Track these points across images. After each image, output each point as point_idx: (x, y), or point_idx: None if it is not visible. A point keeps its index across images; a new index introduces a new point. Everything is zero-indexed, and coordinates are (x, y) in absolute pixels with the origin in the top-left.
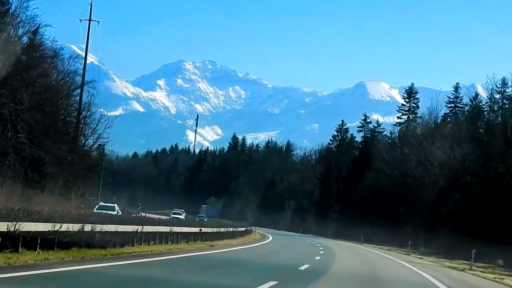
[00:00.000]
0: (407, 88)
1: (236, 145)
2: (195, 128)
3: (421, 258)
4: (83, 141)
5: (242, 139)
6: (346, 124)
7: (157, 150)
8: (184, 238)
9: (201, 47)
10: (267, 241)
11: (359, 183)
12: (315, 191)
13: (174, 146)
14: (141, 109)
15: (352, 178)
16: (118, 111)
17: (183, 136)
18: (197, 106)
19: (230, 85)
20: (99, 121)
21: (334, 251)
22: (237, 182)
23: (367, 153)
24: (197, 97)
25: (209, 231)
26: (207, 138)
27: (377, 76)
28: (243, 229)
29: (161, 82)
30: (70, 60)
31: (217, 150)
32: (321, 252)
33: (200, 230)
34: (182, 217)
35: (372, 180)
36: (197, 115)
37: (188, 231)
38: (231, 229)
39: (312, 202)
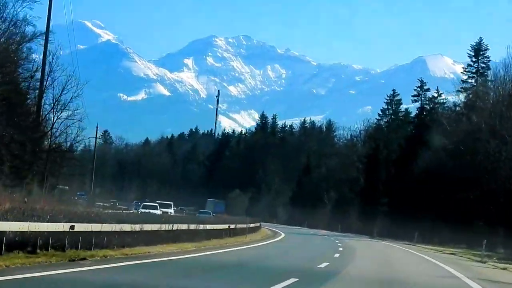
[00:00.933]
0: (474, 44)
1: (265, 126)
2: (216, 107)
3: (504, 269)
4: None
5: (272, 118)
6: (398, 94)
7: (172, 135)
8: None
9: (234, 21)
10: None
11: (413, 166)
12: (359, 179)
13: (193, 130)
14: (166, 92)
15: (405, 160)
16: (140, 96)
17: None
18: (231, 88)
19: (269, 63)
20: (64, 87)
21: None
22: (265, 170)
23: (425, 125)
24: (230, 78)
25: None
26: (243, 124)
27: (439, 49)
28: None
29: (189, 62)
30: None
31: (243, 133)
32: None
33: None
34: (170, 211)
35: (430, 161)
36: (218, 91)
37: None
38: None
39: (355, 192)
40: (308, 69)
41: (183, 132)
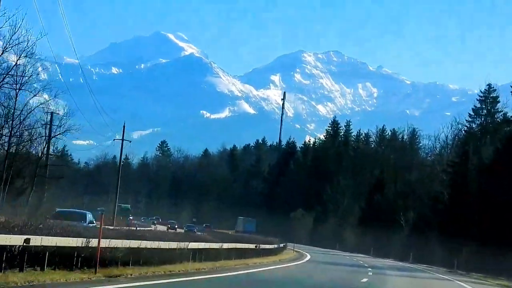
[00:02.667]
0: None
1: (337, 134)
2: (281, 111)
3: None
4: None
5: (345, 125)
6: (494, 90)
7: (234, 145)
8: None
9: (324, 35)
10: None
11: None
12: (443, 195)
13: (260, 142)
14: (251, 110)
15: (502, 170)
16: (224, 113)
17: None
18: (319, 107)
19: (360, 81)
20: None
21: None
22: (334, 186)
23: None
24: (319, 96)
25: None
26: None
27: None
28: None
29: (275, 78)
30: None
31: (311, 142)
32: None
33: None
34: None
35: None
36: (284, 93)
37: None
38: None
39: (437, 211)
40: (401, 88)
41: (249, 144)
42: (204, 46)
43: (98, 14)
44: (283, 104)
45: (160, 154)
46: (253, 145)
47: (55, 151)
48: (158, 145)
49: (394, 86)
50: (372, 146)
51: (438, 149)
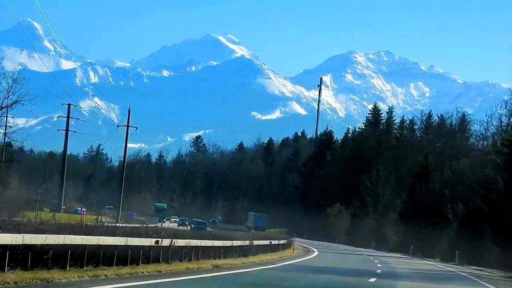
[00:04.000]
0: None
1: (378, 121)
2: (318, 99)
3: None
4: None
5: (388, 112)
6: None
7: (270, 138)
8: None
9: (374, 36)
10: None
11: None
12: (498, 182)
13: (299, 134)
14: (302, 111)
15: None
16: (275, 114)
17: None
18: (371, 107)
19: (411, 80)
20: None
21: None
22: (373, 178)
23: None
24: (370, 96)
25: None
26: None
27: None
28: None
29: (326, 79)
30: None
31: (350, 131)
32: None
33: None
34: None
35: None
36: (321, 78)
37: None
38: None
39: (490, 202)
40: (453, 87)
41: (288, 137)
42: (254, 48)
43: (150, 18)
44: (320, 89)
45: (194, 151)
46: (291, 138)
47: (90, 150)
48: (193, 140)
49: (446, 85)
50: (418, 134)
51: (491, 132)
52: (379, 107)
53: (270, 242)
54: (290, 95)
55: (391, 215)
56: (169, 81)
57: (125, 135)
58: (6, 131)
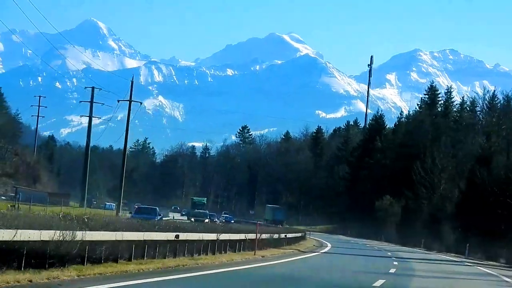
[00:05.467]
0: None
1: (434, 102)
2: (368, 72)
3: None
4: None
5: (446, 92)
6: None
7: (319, 127)
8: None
9: (439, 34)
10: None
11: None
12: None
13: (351, 123)
14: (369, 111)
15: None
16: (340, 113)
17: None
18: (427, 87)
19: (477, 79)
20: None
21: None
22: (427, 166)
23: None
24: None
25: None
26: None
27: None
28: None
29: (391, 77)
30: None
31: (403, 115)
32: None
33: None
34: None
35: None
36: (371, 57)
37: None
38: None
39: None
40: None
41: (340, 127)
42: (319, 46)
43: (215, 17)
44: (370, 69)
45: (240, 142)
46: (343, 127)
47: (136, 144)
48: (239, 130)
49: None
50: (480, 116)
51: None
52: (436, 87)
53: (246, 237)
54: (355, 94)
55: (447, 207)
56: (234, 80)
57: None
58: (72, 130)
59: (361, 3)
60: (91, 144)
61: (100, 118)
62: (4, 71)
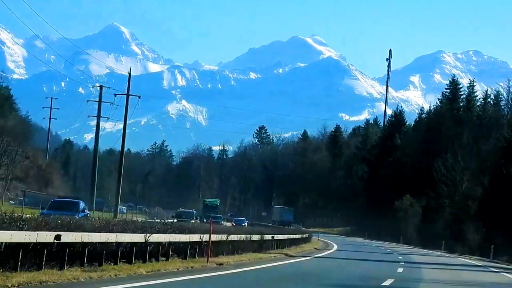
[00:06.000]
0: None
1: (456, 96)
2: (387, 66)
3: None
4: None
5: (469, 86)
6: None
7: (337, 125)
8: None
9: (463, 35)
10: None
11: None
12: None
13: (371, 122)
14: (390, 112)
15: None
16: (363, 115)
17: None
18: (448, 80)
19: (501, 80)
20: None
21: None
22: (449, 163)
23: None
24: None
25: None
26: None
27: None
28: None
29: (415, 79)
30: None
31: (424, 111)
32: None
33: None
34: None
35: None
36: (390, 50)
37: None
38: None
39: None
40: None
41: (359, 126)
42: (342, 49)
43: (237, 21)
44: (389, 63)
45: (258, 142)
46: (363, 126)
47: (154, 147)
48: (256, 131)
49: None
50: (504, 110)
51: None
52: (458, 81)
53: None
54: (378, 96)
55: (471, 206)
56: (257, 83)
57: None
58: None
59: (384, 5)
60: (108, 148)
61: (116, 121)
62: (27, 76)
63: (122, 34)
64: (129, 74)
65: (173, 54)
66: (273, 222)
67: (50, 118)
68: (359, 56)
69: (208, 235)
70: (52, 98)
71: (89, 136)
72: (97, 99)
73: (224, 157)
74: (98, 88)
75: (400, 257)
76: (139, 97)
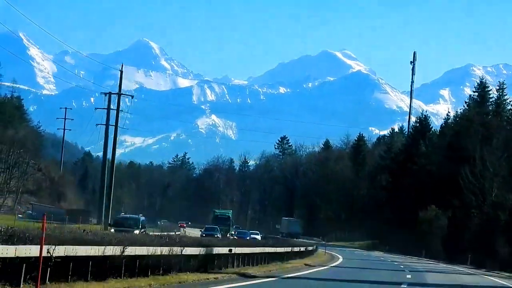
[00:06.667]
0: None
1: (484, 99)
2: (411, 70)
3: None
4: None
5: (498, 88)
6: None
7: (360, 134)
8: None
9: (492, 48)
10: None
11: None
12: None
13: (397, 131)
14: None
15: None
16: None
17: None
18: (476, 83)
19: None
20: None
21: None
22: (477, 170)
23: None
24: None
25: None
26: None
27: None
28: None
29: (445, 92)
30: None
31: (450, 116)
32: None
33: None
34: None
35: None
36: (414, 53)
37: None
38: None
39: None
40: None
41: (384, 135)
42: (371, 63)
43: (267, 36)
44: (413, 66)
45: (280, 153)
46: (388, 135)
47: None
48: (278, 141)
49: None
50: None
51: None
52: (486, 83)
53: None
54: (408, 110)
55: (501, 217)
56: (286, 98)
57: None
58: (125, 150)
59: (413, 19)
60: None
61: (145, 137)
62: (57, 92)
63: (151, 49)
64: (121, 72)
65: (203, 69)
66: (281, 234)
67: (64, 129)
68: (389, 70)
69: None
70: (66, 108)
71: (119, 151)
72: (127, 114)
73: (245, 169)
74: (106, 96)
75: (408, 276)
76: (132, 97)
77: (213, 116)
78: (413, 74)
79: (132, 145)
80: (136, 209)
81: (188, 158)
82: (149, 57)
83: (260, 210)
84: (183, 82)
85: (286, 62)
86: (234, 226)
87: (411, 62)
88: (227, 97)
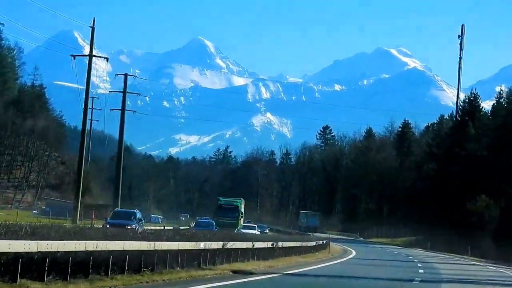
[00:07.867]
0: None
1: None
2: (460, 45)
3: None
4: None
5: None
6: None
7: (405, 121)
8: None
9: None
10: None
11: None
12: None
13: (447, 117)
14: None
15: None
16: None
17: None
18: None
19: None
20: None
21: None
22: None
23: None
24: None
25: None
26: None
27: None
28: None
29: (502, 89)
30: None
31: (503, 93)
32: None
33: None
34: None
35: None
36: (462, 25)
37: None
38: None
39: None
40: None
41: (433, 122)
42: (427, 60)
43: (323, 33)
44: (461, 40)
45: (322, 144)
46: (436, 122)
47: (217, 153)
48: (320, 131)
49: None
50: None
51: None
52: None
53: None
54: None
55: None
56: (341, 95)
57: None
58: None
59: (468, 15)
60: (189, 158)
61: (200, 135)
62: (112, 91)
63: (206, 48)
64: (92, 28)
65: (258, 67)
66: (299, 228)
67: (91, 120)
68: (445, 66)
69: None
70: (93, 97)
71: (174, 150)
72: (182, 113)
73: (286, 161)
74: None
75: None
76: (139, 94)
77: (268, 114)
78: (461, 49)
79: (188, 144)
80: (172, 204)
81: (230, 152)
82: (204, 56)
83: (299, 205)
84: (238, 81)
85: (341, 59)
86: (246, 221)
87: (458, 36)
88: (282, 95)
